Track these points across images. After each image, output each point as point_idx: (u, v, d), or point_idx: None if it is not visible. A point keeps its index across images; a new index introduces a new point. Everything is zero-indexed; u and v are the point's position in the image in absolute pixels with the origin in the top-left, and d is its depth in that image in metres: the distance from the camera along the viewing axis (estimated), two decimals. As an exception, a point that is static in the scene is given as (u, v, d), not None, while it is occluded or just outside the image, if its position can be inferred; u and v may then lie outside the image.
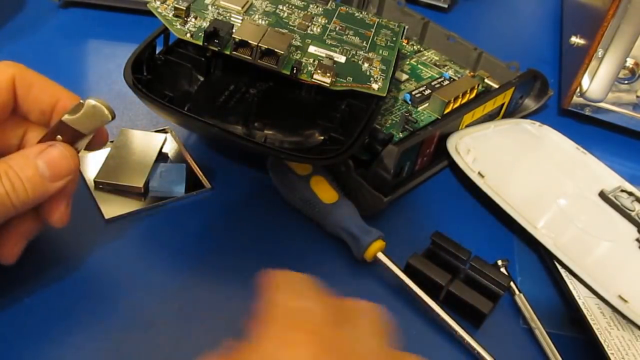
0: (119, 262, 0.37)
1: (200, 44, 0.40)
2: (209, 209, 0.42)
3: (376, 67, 0.43)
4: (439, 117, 0.48)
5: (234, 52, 0.39)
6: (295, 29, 0.44)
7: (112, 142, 0.45)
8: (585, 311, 0.38)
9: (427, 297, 0.37)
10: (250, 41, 0.39)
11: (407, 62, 0.56)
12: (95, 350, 0.33)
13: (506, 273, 0.41)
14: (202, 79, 0.45)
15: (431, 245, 0.41)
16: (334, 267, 0.40)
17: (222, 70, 0.46)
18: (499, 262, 0.41)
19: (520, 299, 0.39)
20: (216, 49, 0.40)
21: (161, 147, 0.45)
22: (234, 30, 0.40)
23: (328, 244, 0.41)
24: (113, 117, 0.33)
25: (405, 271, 0.38)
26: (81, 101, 0.32)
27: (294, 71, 0.40)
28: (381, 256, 0.38)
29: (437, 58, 0.58)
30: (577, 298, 0.39)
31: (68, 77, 0.52)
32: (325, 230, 0.41)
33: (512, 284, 0.40)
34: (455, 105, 0.49)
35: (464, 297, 0.37)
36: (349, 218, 0.40)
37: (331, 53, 0.43)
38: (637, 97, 0.57)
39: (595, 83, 0.56)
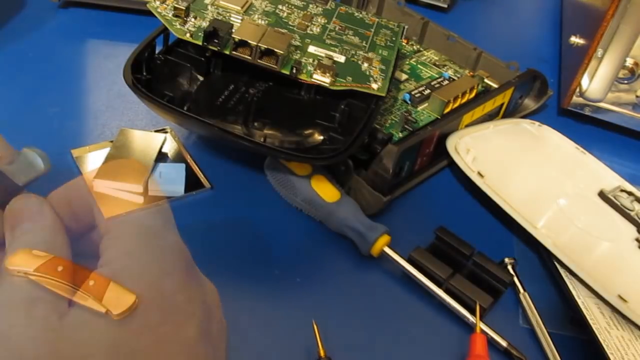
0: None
1: (200, 43, 0.40)
2: (209, 208, 0.42)
3: (376, 67, 0.43)
4: (439, 117, 0.48)
5: (234, 52, 0.39)
6: (294, 28, 0.44)
7: (112, 142, 0.45)
8: (585, 311, 0.38)
9: (435, 287, 0.38)
10: (250, 41, 0.39)
11: (407, 62, 0.56)
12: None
13: (512, 272, 0.41)
14: (201, 78, 0.45)
15: (435, 240, 0.41)
16: (338, 263, 0.40)
17: (222, 70, 0.46)
18: (506, 260, 0.41)
19: (525, 298, 0.39)
20: (216, 49, 0.40)
21: (161, 147, 0.45)
22: (233, 30, 0.40)
23: (330, 241, 0.41)
24: (48, 169, 0.29)
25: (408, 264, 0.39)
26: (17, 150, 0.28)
27: (294, 71, 0.40)
28: (388, 250, 0.39)
29: (436, 58, 0.58)
30: (577, 298, 0.39)
31: (68, 77, 0.52)
32: (329, 228, 0.41)
33: (517, 282, 0.40)
34: (455, 105, 0.49)
35: (464, 290, 0.38)
36: (354, 215, 0.40)
37: (331, 53, 0.43)
38: (637, 97, 0.57)
39: (594, 83, 0.56)
